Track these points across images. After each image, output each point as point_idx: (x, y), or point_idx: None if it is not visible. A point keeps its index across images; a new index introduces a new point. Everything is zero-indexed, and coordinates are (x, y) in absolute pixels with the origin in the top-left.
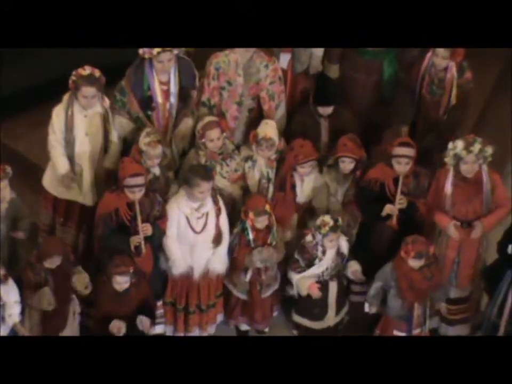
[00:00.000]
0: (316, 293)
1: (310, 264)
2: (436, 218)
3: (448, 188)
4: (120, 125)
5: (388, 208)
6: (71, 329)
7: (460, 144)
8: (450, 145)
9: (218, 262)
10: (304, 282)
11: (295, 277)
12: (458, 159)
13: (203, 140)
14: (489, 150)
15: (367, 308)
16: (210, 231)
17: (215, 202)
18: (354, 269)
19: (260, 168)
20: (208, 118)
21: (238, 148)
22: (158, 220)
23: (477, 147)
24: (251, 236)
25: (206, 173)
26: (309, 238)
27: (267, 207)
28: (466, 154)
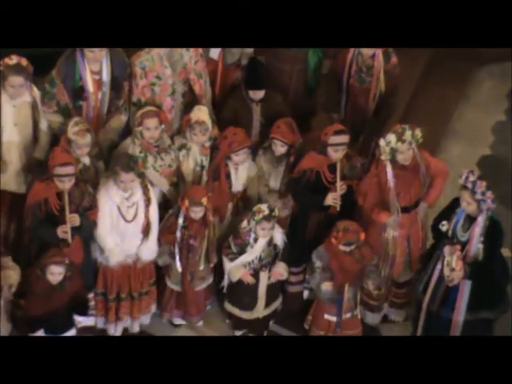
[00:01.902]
0: (249, 280)
1: (241, 250)
2: (375, 217)
3: (391, 181)
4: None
5: (331, 197)
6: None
7: (392, 138)
8: (382, 141)
9: (148, 250)
10: (236, 269)
11: (227, 263)
12: (394, 152)
13: (140, 128)
14: (418, 133)
15: (305, 295)
16: (141, 220)
17: (145, 192)
18: (278, 270)
19: (194, 156)
20: (148, 107)
21: (172, 138)
22: (88, 211)
23: (408, 134)
24: (182, 222)
25: (128, 164)
26: (244, 223)
27: (204, 200)
28: (400, 145)
